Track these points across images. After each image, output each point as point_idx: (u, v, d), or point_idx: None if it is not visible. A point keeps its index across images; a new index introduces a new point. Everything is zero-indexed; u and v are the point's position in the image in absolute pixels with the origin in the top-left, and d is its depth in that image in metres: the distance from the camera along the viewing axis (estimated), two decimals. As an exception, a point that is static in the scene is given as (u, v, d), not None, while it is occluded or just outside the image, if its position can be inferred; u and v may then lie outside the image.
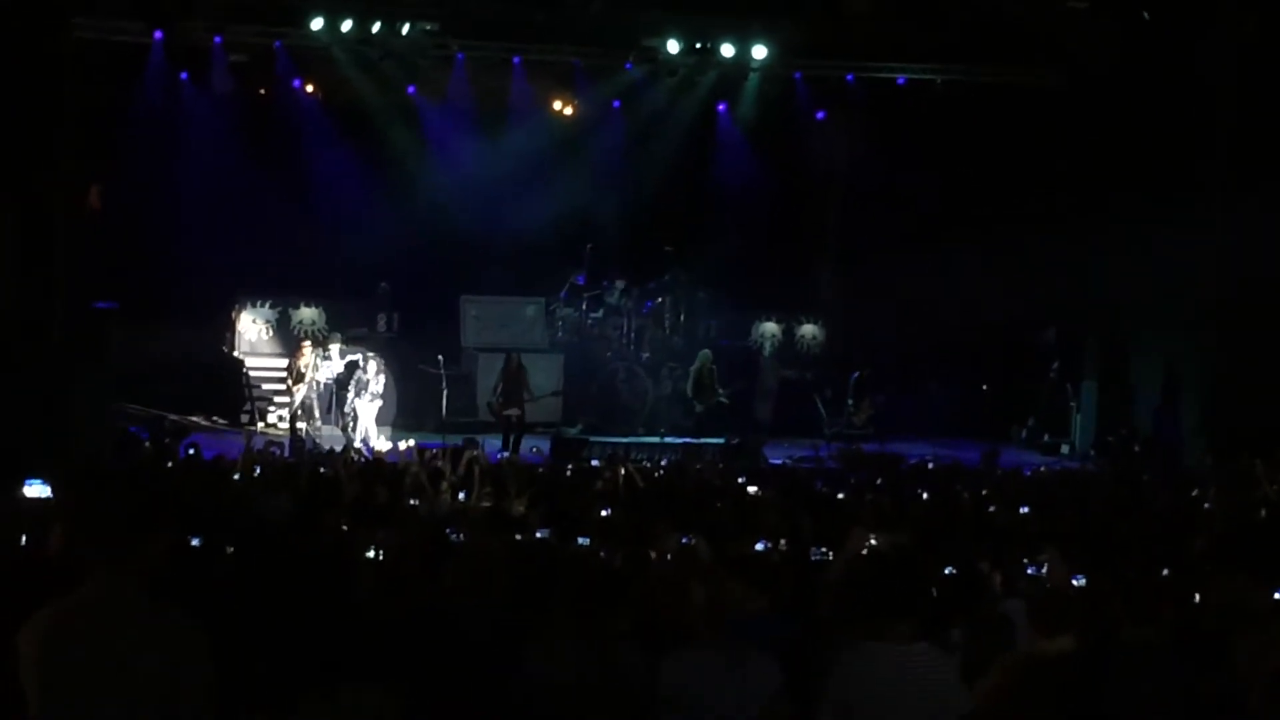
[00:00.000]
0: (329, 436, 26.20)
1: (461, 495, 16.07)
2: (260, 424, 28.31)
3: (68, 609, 5.80)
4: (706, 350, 29.31)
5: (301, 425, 26.50)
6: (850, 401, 29.50)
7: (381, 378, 26.82)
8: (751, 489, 18.12)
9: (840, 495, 17.67)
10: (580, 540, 11.85)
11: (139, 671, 5.68)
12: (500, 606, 8.39)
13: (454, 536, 11.39)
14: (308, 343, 27.89)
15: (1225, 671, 8.07)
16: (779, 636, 8.23)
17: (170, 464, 19.23)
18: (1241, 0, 25.39)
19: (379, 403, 26.78)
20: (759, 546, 11.54)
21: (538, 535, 12.01)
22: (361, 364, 26.89)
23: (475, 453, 19.84)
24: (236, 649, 7.03)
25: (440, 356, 27.77)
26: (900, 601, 6.98)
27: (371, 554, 10.58)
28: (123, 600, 5.78)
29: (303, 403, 26.78)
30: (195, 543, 10.43)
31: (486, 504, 14.94)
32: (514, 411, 27.09)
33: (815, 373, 31.96)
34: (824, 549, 11.71)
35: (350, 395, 26.80)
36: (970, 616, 9.13)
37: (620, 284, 30.37)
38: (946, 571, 10.35)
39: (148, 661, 5.70)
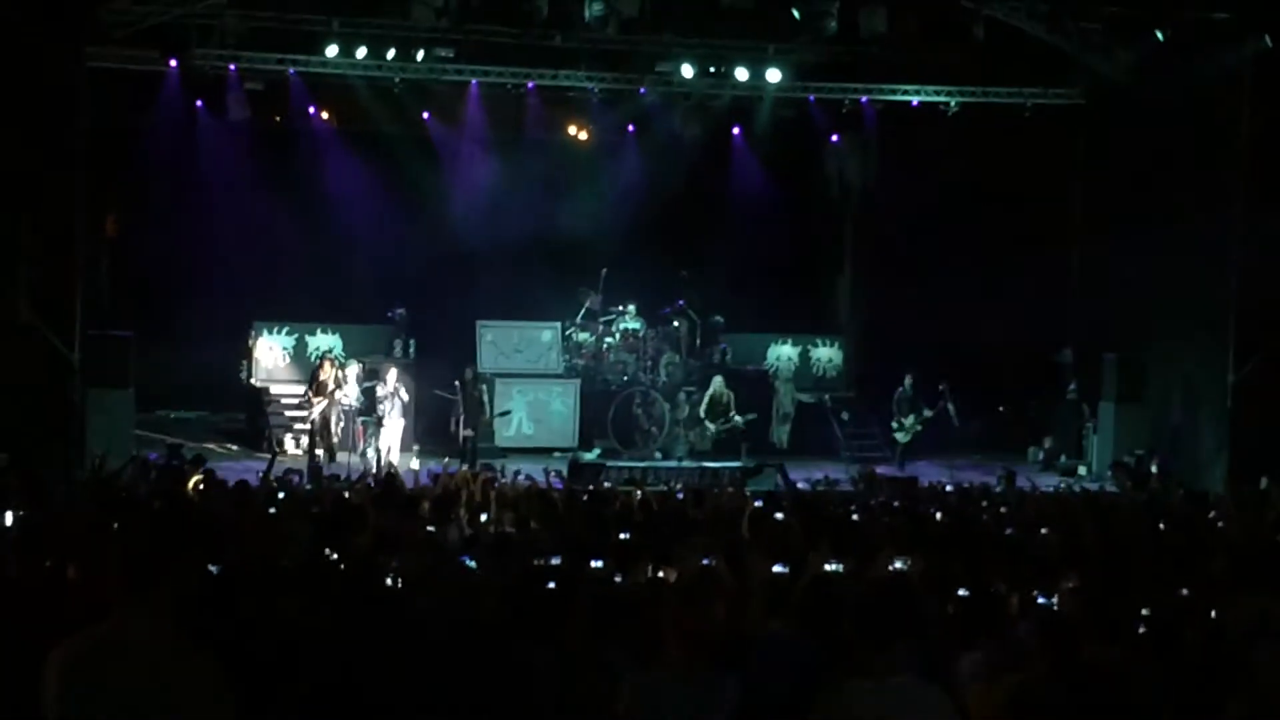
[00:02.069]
0: (344, 463, 26.27)
1: (483, 517, 16.13)
2: (278, 450, 28.35)
3: (93, 643, 5.77)
4: (720, 377, 29.46)
5: (319, 451, 26.64)
6: (912, 414, 29.18)
7: (403, 389, 26.94)
8: (776, 515, 18.07)
9: (858, 518, 17.65)
10: (595, 564, 11.83)
11: (160, 713, 5.66)
12: (520, 634, 8.39)
13: (470, 563, 11.40)
14: (329, 358, 28.00)
15: (1247, 689, 8.06)
16: (795, 659, 8.22)
17: (188, 492, 19.23)
18: (1257, 15, 25.36)
19: (403, 421, 26.89)
20: (777, 569, 11.52)
21: (553, 560, 12.00)
22: (383, 380, 26.96)
23: (491, 475, 19.90)
24: (261, 683, 7.04)
25: (457, 382, 27.84)
26: (883, 634, 6.95)
27: (390, 581, 10.58)
28: (148, 636, 5.75)
29: (321, 416, 26.87)
30: (214, 571, 10.43)
31: (506, 529, 14.97)
32: (468, 433, 27.09)
33: (832, 395, 31.99)
34: (842, 572, 11.70)
35: (372, 419, 26.94)
36: (986, 639, 9.11)
37: (635, 308, 30.39)
38: (961, 594, 10.32)
39: (169, 702, 5.68)
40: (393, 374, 27.16)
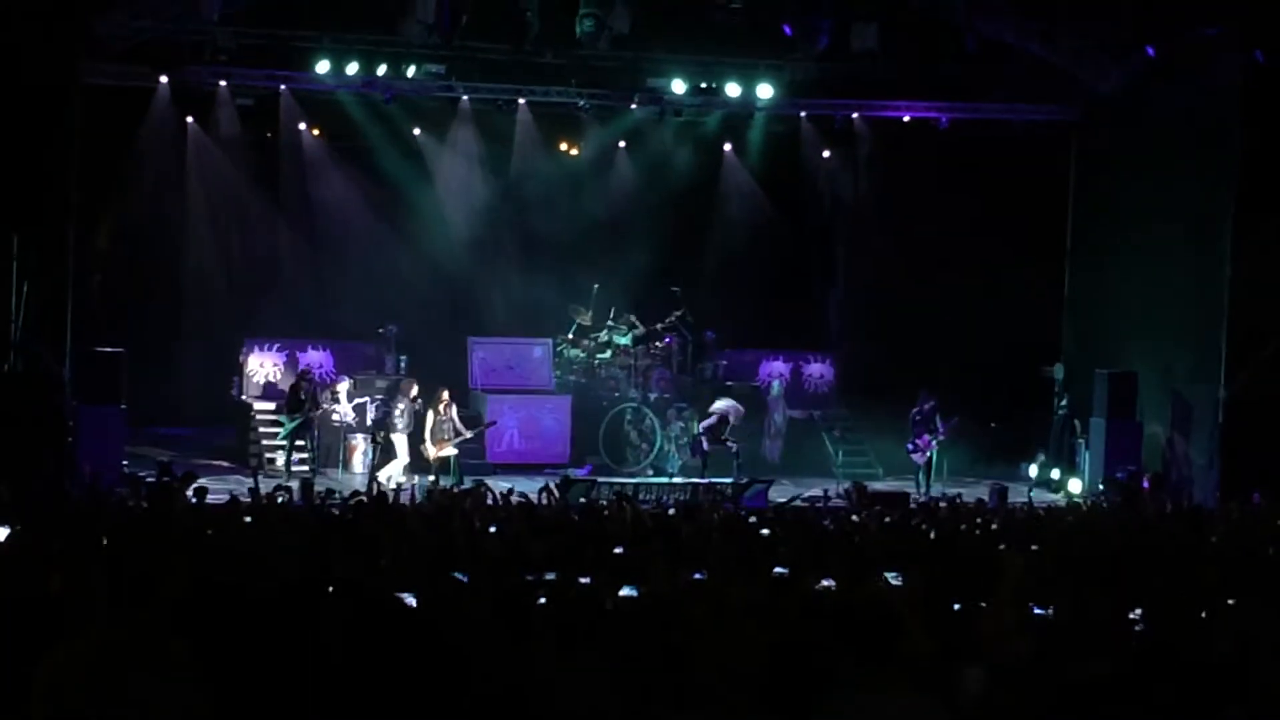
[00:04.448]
0: (335, 479, 26.23)
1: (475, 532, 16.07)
2: (266, 465, 28.24)
3: (77, 654, 5.73)
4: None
5: (301, 465, 26.60)
6: (929, 430, 28.56)
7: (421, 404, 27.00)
8: (763, 530, 18.04)
9: (850, 534, 17.60)
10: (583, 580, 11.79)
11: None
12: (516, 646, 8.36)
13: (461, 577, 11.37)
14: (305, 377, 27.83)
15: (1244, 702, 8.04)
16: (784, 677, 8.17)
17: (178, 507, 19.18)
18: (1248, 31, 25.41)
19: (405, 434, 26.88)
20: (767, 584, 11.49)
21: (547, 576, 11.96)
22: (404, 394, 26.97)
23: (483, 491, 19.87)
24: (251, 696, 7.00)
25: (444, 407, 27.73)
26: (875, 649, 6.89)
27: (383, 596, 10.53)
28: (137, 648, 5.71)
29: (299, 428, 26.74)
30: (206, 586, 10.37)
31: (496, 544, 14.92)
32: (450, 452, 26.91)
33: (824, 412, 31.97)
34: (831, 587, 11.69)
35: (368, 432, 26.97)
36: (980, 654, 9.08)
37: (627, 324, 30.35)
38: (954, 609, 10.30)
39: (157, 713, 5.64)
40: (414, 389, 27.14)
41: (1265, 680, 8.10)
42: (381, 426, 27.30)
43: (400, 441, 27.01)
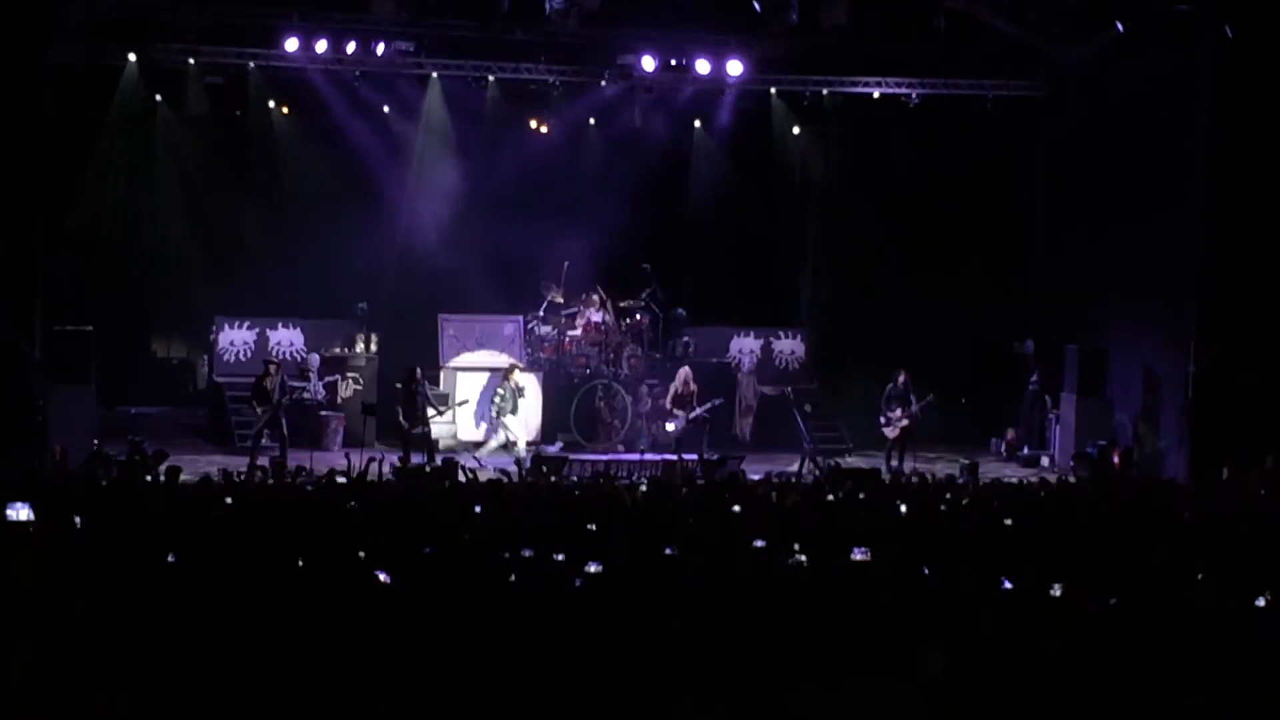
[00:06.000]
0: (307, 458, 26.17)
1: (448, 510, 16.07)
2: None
3: (52, 637, 5.70)
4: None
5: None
6: (900, 409, 28.39)
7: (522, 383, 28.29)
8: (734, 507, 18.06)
9: (823, 509, 17.64)
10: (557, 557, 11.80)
11: (128, 700, 5.61)
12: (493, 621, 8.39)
13: (429, 551, 11.41)
14: (272, 363, 27.61)
15: (1211, 674, 8.08)
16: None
17: (150, 486, 19.14)
18: (1216, 6, 25.42)
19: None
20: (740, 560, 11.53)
21: (524, 553, 11.99)
22: (507, 378, 28.10)
23: (454, 468, 19.88)
24: (230, 673, 7.01)
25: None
26: (847, 624, 6.92)
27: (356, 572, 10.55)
28: (111, 625, 5.70)
29: (268, 421, 26.57)
30: (177, 563, 10.36)
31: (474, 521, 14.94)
32: (420, 429, 26.85)
33: (794, 388, 31.96)
34: (803, 563, 11.73)
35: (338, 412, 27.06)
36: (948, 630, 9.11)
37: (598, 301, 30.30)
38: (923, 585, 10.34)
39: (135, 689, 5.62)
40: (516, 372, 28.06)
41: (1233, 659, 8.14)
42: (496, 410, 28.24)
43: (512, 422, 28.12)
